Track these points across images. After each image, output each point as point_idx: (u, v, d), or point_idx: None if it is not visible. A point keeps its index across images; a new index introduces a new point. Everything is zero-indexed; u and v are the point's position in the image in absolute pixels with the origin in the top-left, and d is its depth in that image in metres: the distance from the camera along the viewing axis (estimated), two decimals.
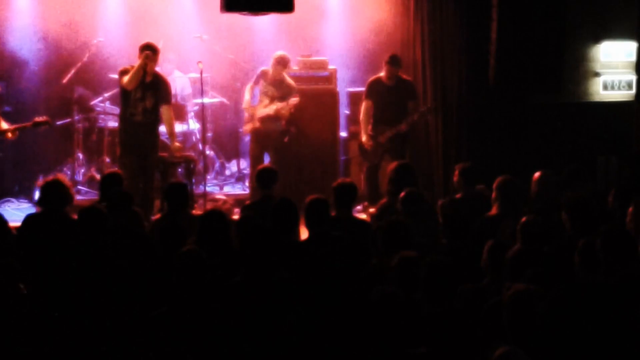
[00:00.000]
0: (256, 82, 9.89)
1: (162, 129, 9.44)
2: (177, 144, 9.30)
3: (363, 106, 9.66)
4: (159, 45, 9.02)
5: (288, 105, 9.72)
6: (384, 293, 4.34)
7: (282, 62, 9.70)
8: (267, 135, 9.72)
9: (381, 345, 4.25)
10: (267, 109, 9.69)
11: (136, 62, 8.82)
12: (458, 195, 7.62)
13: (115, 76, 9.40)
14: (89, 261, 5.45)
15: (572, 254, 5.34)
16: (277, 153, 9.69)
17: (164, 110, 9.07)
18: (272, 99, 9.70)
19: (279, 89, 9.72)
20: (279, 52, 9.80)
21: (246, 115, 9.94)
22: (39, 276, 5.27)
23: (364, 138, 9.62)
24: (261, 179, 7.55)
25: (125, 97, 8.99)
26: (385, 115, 9.52)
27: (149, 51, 8.75)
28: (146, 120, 8.92)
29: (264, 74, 9.83)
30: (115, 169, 8.42)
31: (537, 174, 7.50)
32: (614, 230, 5.33)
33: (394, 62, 9.44)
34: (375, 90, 9.54)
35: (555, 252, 5.65)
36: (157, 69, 9.11)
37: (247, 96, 9.87)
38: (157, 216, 7.62)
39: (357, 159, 10.39)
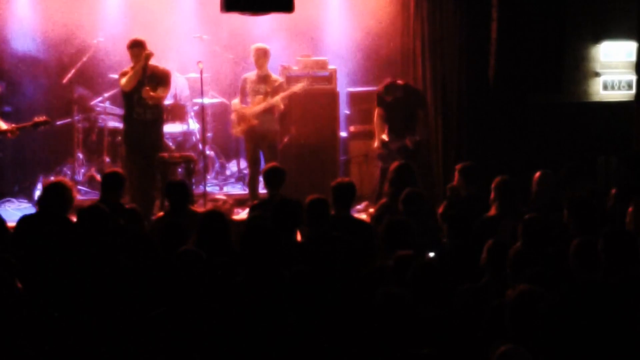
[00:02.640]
0: (242, 92, 9.84)
1: (164, 128, 9.48)
2: (147, 88, 8.97)
3: (375, 113, 9.73)
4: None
5: (295, 90, 9.67)
6: (388, 294, 4.34)
7: (263, 53, 9.62)
8: (261, 134, 9.68)
9: (383, 346, 4.25)
10: (265, 103, 9.63)
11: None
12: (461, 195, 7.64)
13: (116, 76, 9.42)
14: (88, 261, 5.44)
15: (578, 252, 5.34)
16: (271, 151, 9.68)
17: (159, 91, 9.01)
18: (265, 95, 9.67)
19: (269, 85, 9.67)
20: (257, 45, 9.73)
21: (233, 118, 9.87)
22: (36, 276, 5.26)
23: (375, 144, 9.68)
24: (269, 178, 7.54)
25: (128, 98, 9.02)
26: (394, 124, 9.59)
27: (143, 49, 8.80)
28: (150, 117, 8.96)
29: (246, 80, 9.76)
30: (117, 168, 8.42)
31: (537, 174, 7.51)
32: (617, 231, 5.34)
33: (387, 92, 9.47)
34: (383, 99, 9.59)
35: (557, 252, 5.66)
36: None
37: (236, 100, 9.85)
38: (159, 215, 7.63)
39: (357, 159, 10.39)
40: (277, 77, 9.79)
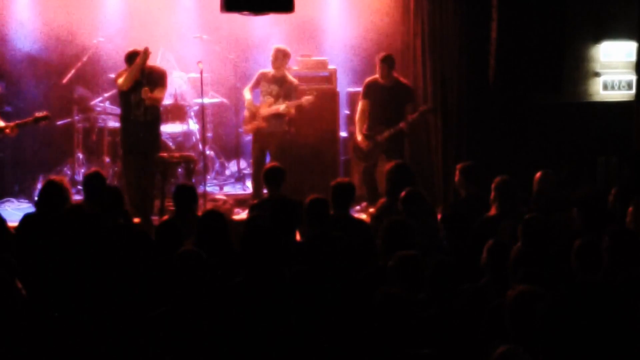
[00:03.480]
0: (255, 85, 9.83)
1: (163, 128, 9.48)
2: (146, 89, 8.90)
3: (359, 106, 9.67)
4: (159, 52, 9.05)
5: (302, 101, 9.64)
6: (388, 294, 4.34)
7: (283, 54, 9.61)
8: (269, 135, 9.69)
9: (383, 346, 4.25)
10: (274, 107, 9.63)
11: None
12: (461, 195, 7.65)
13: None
14: (88, 261, 5.45)
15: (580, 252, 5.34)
16: (277, 152, 9.66)
17: (157, 92, 8.98)
18: (277, 97, 9.66)
19: (282, 87, 9.68)
20: (279, 45, 9.76)
21: (246, 115, 9.89)
22: (37, 276, 5.27)
23: (359, 137, 9.63)
24: (269, 178, 7.55)
25: (125, 99, 9.02)
26: (383, 115, 9.52)
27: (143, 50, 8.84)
28: (147, 118, 8.95)
29: (263, 75, 9.77)
30: (96, 168, 8.41)
31: (538, 174, 7.51)
32: (622, 230, 5.34)
33: (386, 60, 9.43)
34: (372, 90, 9.54)
35: (557, 252, 5.66)
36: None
37: (248, 96, 9.83)
38: (164, 218, 7.63)
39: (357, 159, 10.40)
40: (293, 79, 9.76)
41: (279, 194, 7.36)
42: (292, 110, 9.65)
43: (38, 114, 9.01)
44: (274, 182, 7.48)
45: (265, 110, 9.65)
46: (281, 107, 9.58)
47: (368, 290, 4.74)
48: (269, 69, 9.76)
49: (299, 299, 4.72)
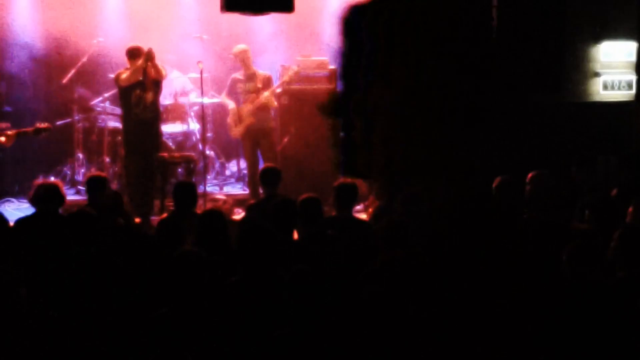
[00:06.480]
0: (230, 90, 9.91)
1: (163, 128, 9.50)
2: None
3: None
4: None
5: (288, 76, 9.83)
6: (374, 292, 4.35)
7: (244, 53, 9.76)
8: (258, 131, 9.75)
9: (382, 346, 4.25)
10: (258, 100, 9.72)
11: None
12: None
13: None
14: (88, 262, 5.44)
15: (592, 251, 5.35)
16: (269, 149, 9.74)
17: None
18: (258, 92, 9.76)
19: (259, 81, 9.81)
20: (235, 48, 9.85)
21: (230, 121, 9.93)
22: (37, 277, 5.27)
23: None
24: (266, 178, 7.56)
25: (126, 98, 9.04)
26: None
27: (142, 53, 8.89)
28: (148, 116, 8.99)
29: (236, 80, 9.89)
30: (98, 172, 8.44)
31: (531, 174, 7.53)
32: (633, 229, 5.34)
33: None
34: None
35: (556, 252, 5.65)
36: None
37: (227, 101, 9.94)
38: (163, 216, 7.62)
39: None
40: (264, 72, 9.92)
41: (276, 193, 7.36)
42: (275, 103, 9.85)
43: (40, 125, 9.03)
44: (270, 183, 7.50)
45: (251, 106, 9.73)
46: (264, 95, 9.69)
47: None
48: (238, 73, 9.86)
49: (298, 299, 4.72)
